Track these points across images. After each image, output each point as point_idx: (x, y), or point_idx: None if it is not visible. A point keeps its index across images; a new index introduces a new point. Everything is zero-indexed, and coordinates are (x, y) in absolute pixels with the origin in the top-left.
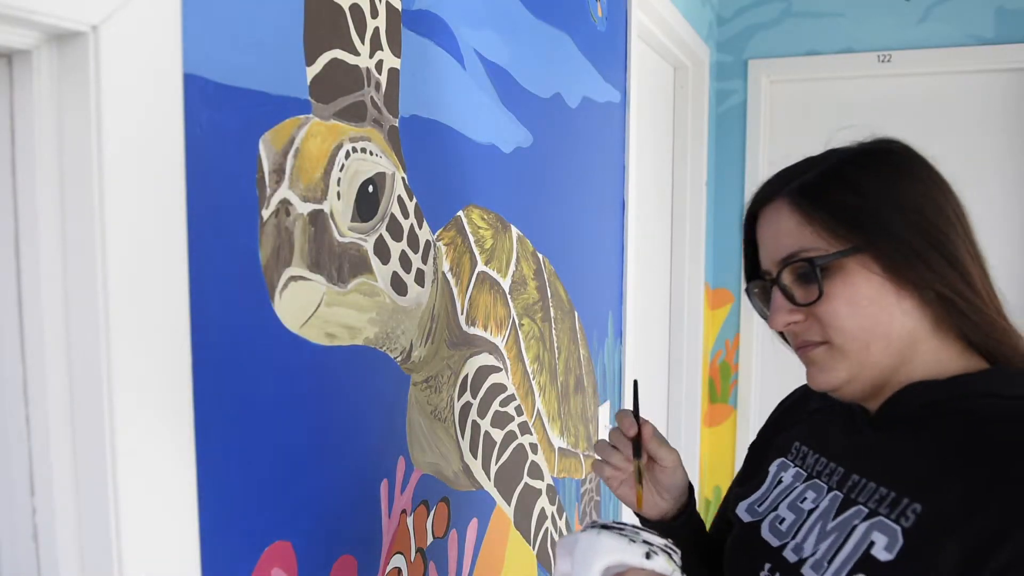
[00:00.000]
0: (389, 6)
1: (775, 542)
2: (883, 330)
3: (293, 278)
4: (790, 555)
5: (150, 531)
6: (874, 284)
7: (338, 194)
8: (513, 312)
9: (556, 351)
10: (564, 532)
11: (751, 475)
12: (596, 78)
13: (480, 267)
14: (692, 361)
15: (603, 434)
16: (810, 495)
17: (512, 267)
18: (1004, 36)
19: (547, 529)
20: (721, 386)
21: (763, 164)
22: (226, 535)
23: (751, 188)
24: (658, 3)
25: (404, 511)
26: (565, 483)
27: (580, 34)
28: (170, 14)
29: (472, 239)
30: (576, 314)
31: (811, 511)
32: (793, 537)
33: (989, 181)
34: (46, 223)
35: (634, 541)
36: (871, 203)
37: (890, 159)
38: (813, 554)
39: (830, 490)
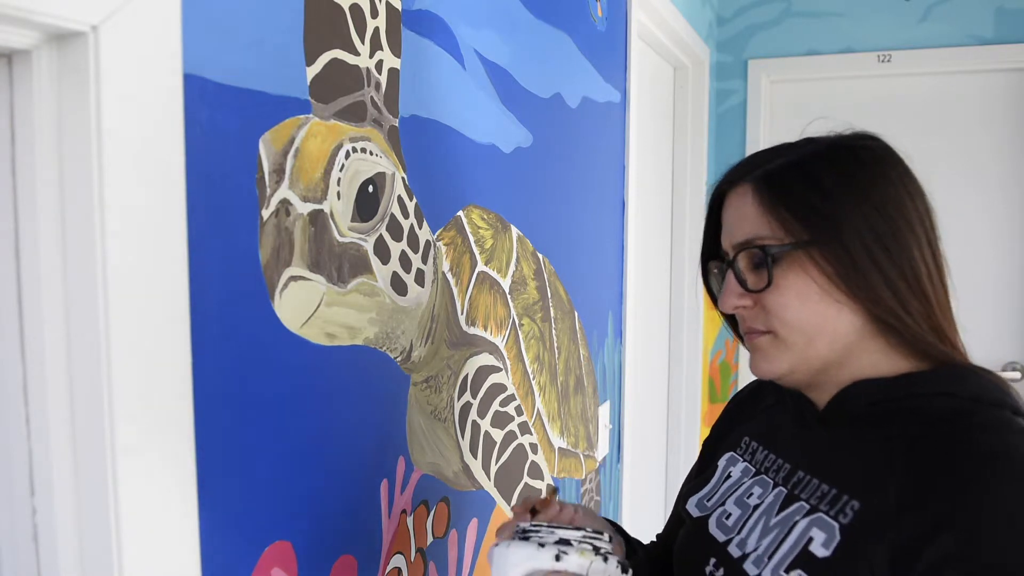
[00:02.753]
0: (389, 6)
1: (721, 537)
2: (829, 326)
3: (293, 278)
4: (734, 550)
5: (150, 531)
6: (823, 281)
7: (338, 194)
8: (513, 312)
9: (556, 351)
10: None
11: (702, 470)
12: (596, 78)
13: (480, 267)
14: (692, 361)
15: (603, 434)
16: (756, 491)
17: (512, 267)
18: (1004, 36)
19: None
20: (721, 386)
21: None
22: (226, 535)
23: None
24: (658, 3)
25: (404, 511)
26: (565, 483)
27: (580, 34)
28: (170, 14)
29: (472, 239)
30: (576, 314)
31: (756, 506)
32: (738, 532)
33: (989, 181)
34: (46, 223)
35: (544, 545)
36: (830, 202)
37: (860, 156)
38: (755, 549)
39: (775, 486)
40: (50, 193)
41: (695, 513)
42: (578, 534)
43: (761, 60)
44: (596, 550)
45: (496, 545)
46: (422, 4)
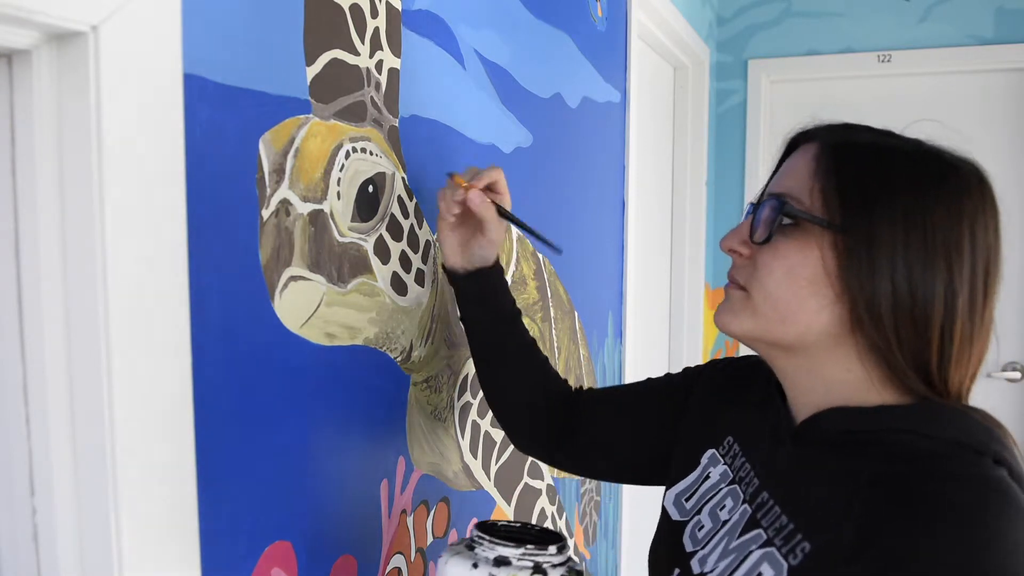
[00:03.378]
0: (389, 6)
1: (690, 547)
2: (804, 318)
3: (293, 278)
4: (696, 565)
5: (150, 531)
6: (821, 271)
7: (338, 194)
8: None
9: (556, 351)
10: (564, 532)
11: (668, 396)
12: (596, 78)
13: None
14: (692, 361)
15: None
16: (728, 503)
17: (512, 267)
18: (1004, 36)
19: None
20: None
21: (763, 164)
22: (226, 535)
23: (752, 188)
24: (658, 3)
25: (404, 511)
26: (565, 483)
27: (580, 34)
28: (170, 14)
29: None
30: (576, 314)
31: (725, 522)
32: (703, 547)
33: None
34: (46, 223)
35: (478, 566)
36: (883, 199)
37: (945, 175)
38: (713, 570)
39: (743, 502)
40: (50, 193)
41: (673, 514)
42: (518, 551)
43: (761, 60)
44: (536, 568)
45: (440, 555)
46: (422, 4)
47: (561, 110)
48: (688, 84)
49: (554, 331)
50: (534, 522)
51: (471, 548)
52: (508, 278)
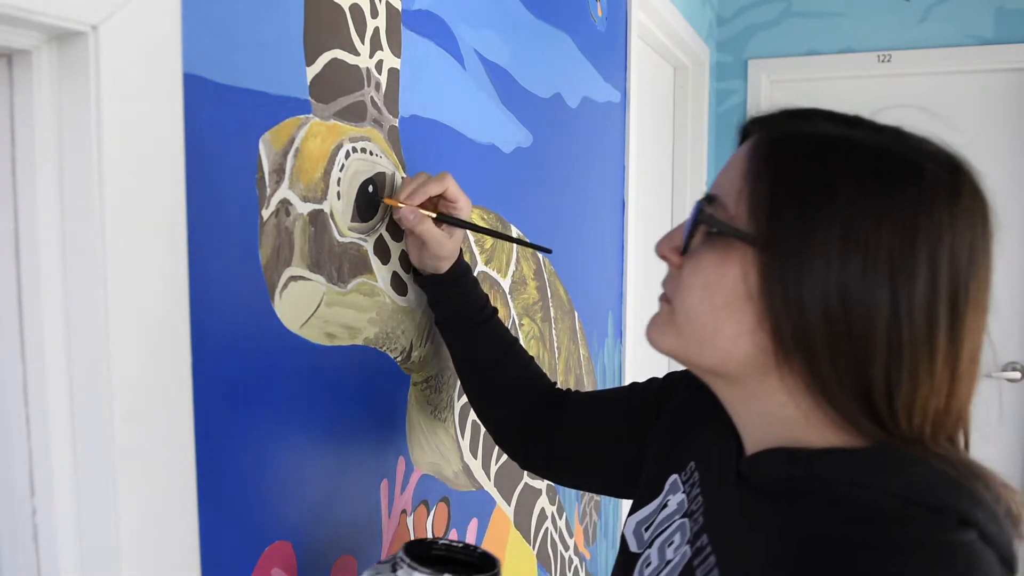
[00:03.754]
0: (389, 6)
1: None
2: (722, 345)
3: (293, 278)
4: None
5: (150, 531)
6: (742, 291)
7: (338, 194)
8: (513, 312)
9: (556, 351)
10: (564, 532)
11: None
12: (596, 78)
13: (480, 267)
14: None
15: None
16: (676, 540)
17: (512, 267)
18: (1004, 36)
19: (547, 529)
20: None
21: None
22: (226, 535)
23: None
24: (658, 3)
25: (404, 511)
26: None
27: (580, 34)
28: (170, 14)
29: (472, 239)
30: (576, 314)
31: (668, 562)
32: None
33: (989, 181)
34: (46, 223)
35: None
36: (818, 215)
37: (904, 190)
38: None
39: (686, 542)
40: (50, 193)
41: (631, 544)
42: None
43: (761, 60)
44: None
45: (363, 572)
46: (422, 4)
47: (561, 110)
48: (688, 84)
49: (554, 331)
50: (534, 521)
51: (394, 570)
52: (508, 278)
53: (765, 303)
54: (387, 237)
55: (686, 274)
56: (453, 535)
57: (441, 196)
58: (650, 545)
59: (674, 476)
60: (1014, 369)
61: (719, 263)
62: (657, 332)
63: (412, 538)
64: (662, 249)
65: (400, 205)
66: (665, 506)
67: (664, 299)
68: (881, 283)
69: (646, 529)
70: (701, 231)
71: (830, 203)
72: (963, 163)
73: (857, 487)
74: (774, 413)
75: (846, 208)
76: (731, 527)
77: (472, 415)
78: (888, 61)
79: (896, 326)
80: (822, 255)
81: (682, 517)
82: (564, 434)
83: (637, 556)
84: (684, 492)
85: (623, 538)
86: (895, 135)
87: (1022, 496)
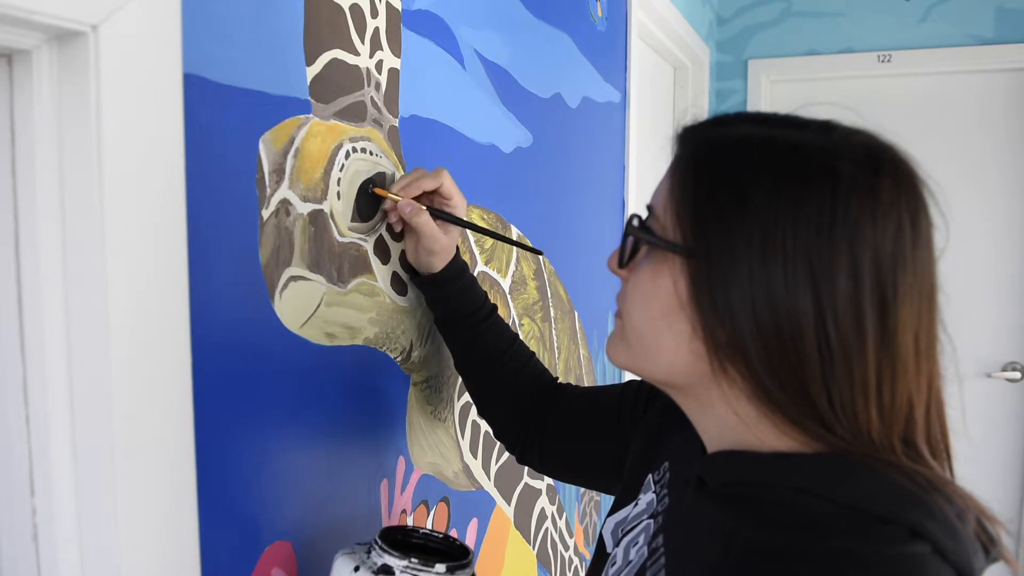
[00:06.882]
0: (389, 6)
1: None
2: (666, 356)
3: (293, 278)
4: None
5: (150, 531)
6: (674, 302)
7: (338, 194)
8: (513, 312)
9: (556, 351)
10: (564, 532)
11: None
12: (596, 78)
13: (480, 267)
14: None
15: None
16: (640, 540)
17: (512, 267)
18: (1004, 36)
19: (547, 529)
20: None
21: None
22: (226, 535)
23: None
24: (658, 3)
25: (404, 511)
26: (565, 484)
27: (580, 34)
28: (170, 14)
29: (472, 239)
30: (576, 314)
31: (628, 563)
32: None
33: (989, 181)
34: (46, 223)
35: (359, 569)
36: (737, 220)
37: (818, 186)
38: None
39: (646, 542)
40: (50, 193)
41: (608, 544)
42: (402, 563)
43: (761, 60)
44: None
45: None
46: (422, 4)
47: (561, 110)
48: (688, 84)
49: (554, 331)
50: (534, 522)
51: (368, 552)
52: (508, 278)
53: (696, 312)
54: (387, 237)
55: (629, 287)
56: (453, 535)
57: (436, 192)
58: (618, 544)
59: (649, 475)
60: (1014, 369)
61: (653, 274)
62: (612, 347)
63: None
64: (610, 264)
65: (390, 196)
66: (636, 504)
67: (617, 314)
68: (804, 285)
69: (622, 529)
70: (643, 244)
71: (746, 209)
72: (886, 155)
73: (803, 494)
74: (725, 420)
75: (763, 213)
76: (683, 528)
77: (472, 415)
78: (888, 61)
79: (823, 326)
80: (744, 261)
81: (649, 517)
82: (557, 429)
83: (608, 556)
84: (654, 492)
85: (600, 538)
86: (820, 131)
87: (998, 516)
